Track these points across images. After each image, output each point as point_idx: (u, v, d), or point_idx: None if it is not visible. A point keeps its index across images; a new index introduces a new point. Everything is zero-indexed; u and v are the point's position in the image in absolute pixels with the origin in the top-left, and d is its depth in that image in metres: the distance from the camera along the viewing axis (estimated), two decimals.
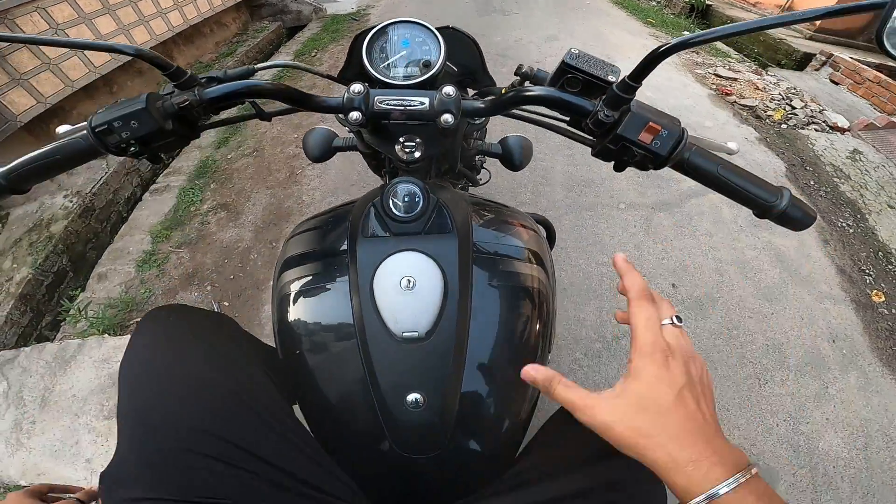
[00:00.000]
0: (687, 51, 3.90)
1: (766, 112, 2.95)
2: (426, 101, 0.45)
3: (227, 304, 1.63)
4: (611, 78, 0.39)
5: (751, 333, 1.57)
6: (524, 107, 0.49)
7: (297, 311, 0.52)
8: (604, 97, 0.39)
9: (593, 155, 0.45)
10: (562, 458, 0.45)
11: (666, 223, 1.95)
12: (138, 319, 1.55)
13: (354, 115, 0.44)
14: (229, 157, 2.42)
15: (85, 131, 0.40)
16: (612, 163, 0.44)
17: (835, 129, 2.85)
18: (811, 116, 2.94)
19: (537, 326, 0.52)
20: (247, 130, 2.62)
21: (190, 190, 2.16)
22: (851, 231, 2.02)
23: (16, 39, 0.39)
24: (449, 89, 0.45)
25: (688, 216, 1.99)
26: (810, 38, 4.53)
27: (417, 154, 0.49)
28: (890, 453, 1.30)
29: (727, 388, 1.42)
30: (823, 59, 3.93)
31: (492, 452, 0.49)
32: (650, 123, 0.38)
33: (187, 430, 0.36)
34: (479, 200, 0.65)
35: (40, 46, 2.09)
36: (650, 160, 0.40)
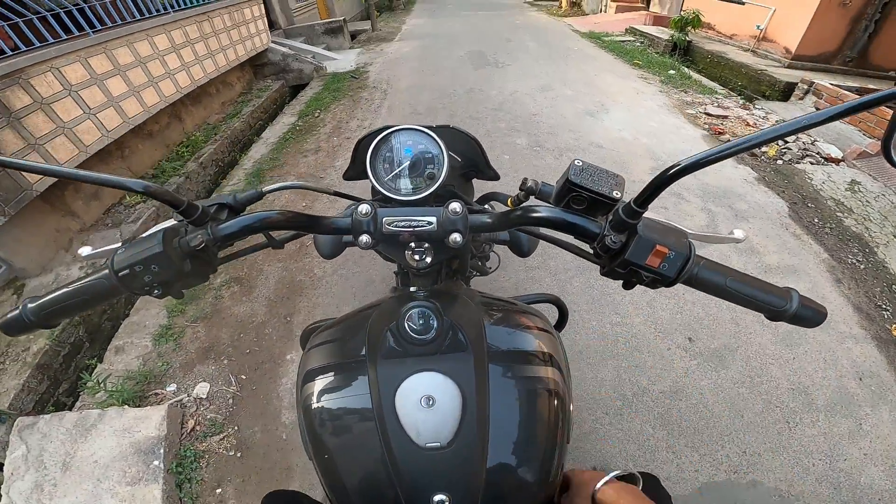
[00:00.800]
0: (676, 91, 4.07)
1: (760, 149, 3.02)
2: (434, 220, 0.47)
3: (244, 377, 1.64)
4: (615, 194, 0.38)
5: (774, 379, 1.54)
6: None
7: (323, 421, 0.53)
8: (610, 220, 0.39)
9: (603, 274, 0.46)
10: None
11: None
12: (157, 391, 1.60)
13: (364, 238, 0.46)
14: None
15: (107, 271, 0.41)
16: (620, 282, 0.45)
17: (829, 160, 2.90)
18: (804, 149, 3.00)
19: (554, 421, 0.53)
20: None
21: None
22: (862, 267, 2.02)
23: (17, 166, 0.37)
24: (456, 206, 0.46)
25: None
26: (788, 66, 4.69)
27: (428, 260, 0.50)
28: None
29: (756, 433, 1.39)
30: (805, 87, 4.07)
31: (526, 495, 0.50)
32: (657, 247, 0.38)
33: None
34: (490, 300, 0.67)
35: (50, 105, 2.09)
36: (658, 282, 0.41)
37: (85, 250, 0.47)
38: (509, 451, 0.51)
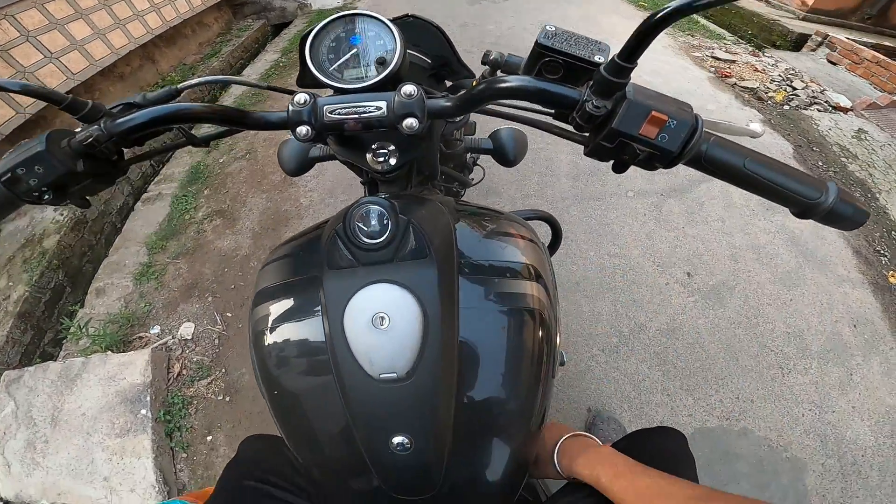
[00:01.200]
0: (682, 34, 3.85)
1: (767, 94, 2.91)
2: (383, 105, 0.39)
3: (230, 314, 1.58)
4: (598, 58, 0.32)
5: (771, 321, 1.53)
6: (503, 101, 0.42)
7: (273, 349, 0.47)
8: (591, 84, 0.32)
9: (587, 154, 0.37)
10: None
11: (676, 210, 1.91)
12: (141, 335, 1.53)
13: (302, 129, 0.39)
14: (221, 161, 2.34)
15: None
16: (609, 163, 0.36)
17: (838, 108, 2.82)
18: (813, 97, 2.90)
19: (538, 349, 0.46)
20: (238, 133, 2.54)
21: (183, 197, 2.09)
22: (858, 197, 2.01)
23: None
24: (409, 88, 0.39)
25: (699, 202, 1.95)
26: (803, 19, 4.50)
27: (393, 162, 0.44)
28: None
29: (751, 379, 1.38)
30: (819, 39, 3.90)
31: (490, 490, 0.46)
32: (653, 113, 0.31)
33: None
34: (468, 208, 0.59)
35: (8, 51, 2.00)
36: (657, 158, 0.32)
37: None
38: (483, 385, 0.44)
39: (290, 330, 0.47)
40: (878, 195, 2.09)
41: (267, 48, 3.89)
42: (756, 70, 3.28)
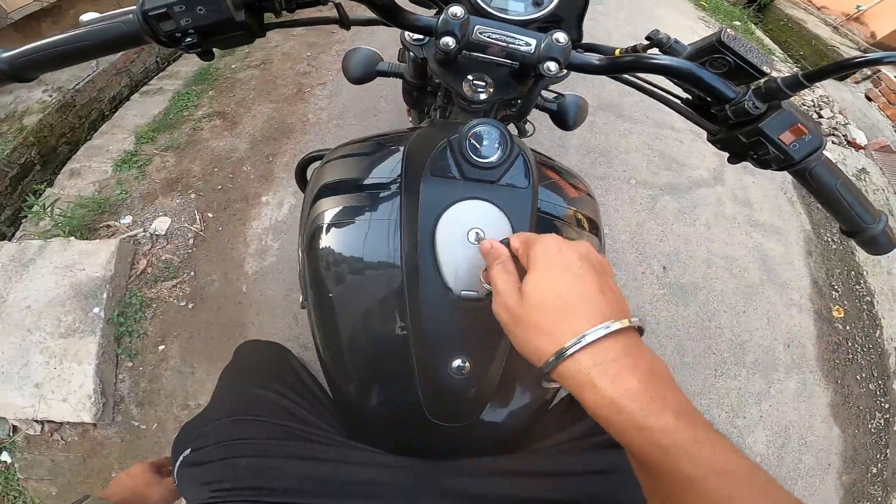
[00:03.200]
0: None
1: None
2: (533, 42, 0.41)
3: (210, 215, 1.57)
4: (766, 69, 0.36)
5: (721, 327, 1.63)
6: (640, 74, 0.46)
7: (332, 245, 0.46)
8: (754, 87, 0.37)
9: (711, 141, 0.43)
10: (572, 440, 0.48)
11: (670, 207, 1.96)
12: (110, 223, 1.47)
13: (447, 40, 0.39)
14: (233, 66, 2.24)
15: (131, 15, 0.34)
16: (728, 153, 0.42)
17: (852, 144, 2.83)
18: (833, 128, 2.90)
19: None
20: (256, 42, 2.40)
21: (185, 95, 2.00)
22: (834, 247, 2.08)
23: None
24: (560, 35, 0.40)
25: (692, 204, 2.00)
26: (864, 51, 4.37)
27: (484, 96, 0.46)
28: (799, 456, 1.40)
29: (688, 374, 1.49)
30: (868, 73, 3.81)
31: (519, 427, 0.48)
32: (798, 125, 0.36)
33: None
34: (542, 157, 0.60)
35: None
36: (779, 160, 0.38)
37: (88, 15, 0.37)
38: None
39: (357, 230, 0.46)
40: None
41: None
42: None
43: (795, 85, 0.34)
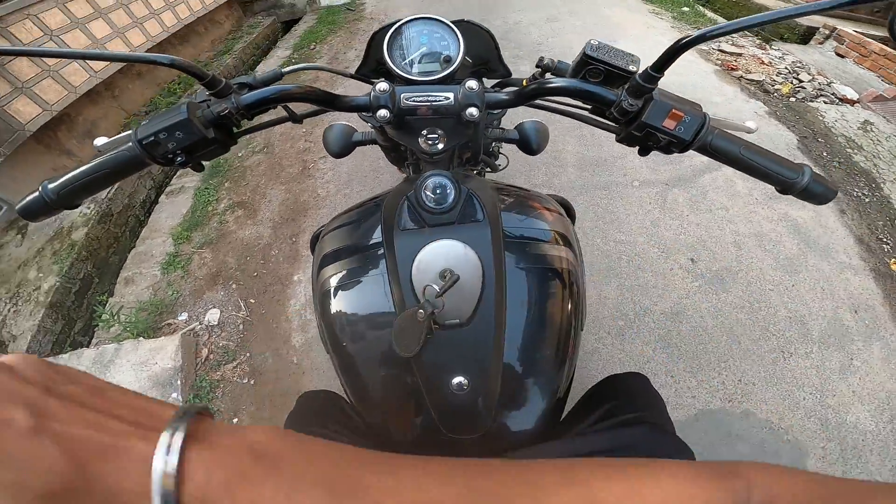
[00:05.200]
0: (689, 26, 3.85)
1: (773, 86, 2.93)
2: (451, 95, 0.46)
3: (252, 301, 1.66)
4: (632, 68, 0.40)
5: (773, 306, 1.57)
6: (550, 97, 0.50)
7: (339, 305, 0.53)
8: (626, 87, 0.41)
9: (618, 141, 0.47)
10: (591, 425, 0.51)
11: (681, 199, 1.95)
12: (170, 321, 1.61)
13: (382, 112, 0.45)
14: (240, 154, 2.43)
15: (130, 143, 0.41)
16: (637, 148, 0.46)
17: (844, 101, 2.83)
18: (819, 90, 2.91)
19: (569, 305, 0.54)
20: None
21: (205, 190, 2.17)
22: (867, 200, 2.01)
23: (41, 53, 0.39)
24: (472, 83, 0.46)
25: (702, 191, 1.99)
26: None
27: (440, 146, 0.50)
28: None
29: (752, 362, 1.43)
30: (827, 32, 3.89)
31: (533, 429, 0.51)
32: (673, 110, 0.40)
33: None
34: (502, 186, 0.66)
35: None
36: (674, 144, 0.42)
37: (100, 140, 0.46)
38: (526, 330, 0.50)
39: (357, 289, 0.53)
40: (882, 185, 2.10)
41: (278, 45, 3.96)
42: (762, 63, 3.29)
43: (650, 77, 0.38)
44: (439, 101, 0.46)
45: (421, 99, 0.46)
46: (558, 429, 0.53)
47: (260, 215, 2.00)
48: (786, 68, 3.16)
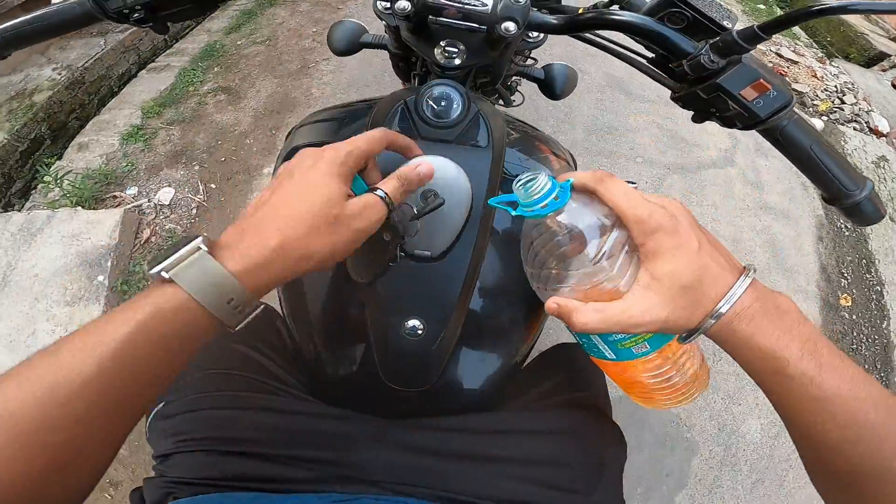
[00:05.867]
0: (759, 22, 3.57)
1: (813, 101, 2.80)
2: (490, 1, 0.39)
3: (213, 186, 1.59)
4: (727, 24, 0.35)
5: None
6: (602, 31, 0.44)
7: None
8: (712, 40, 0.35)
9: (673, 99, 0.41)
10: (534, 398, 0.49)
11: (677, 186, 1.91)
12: (116, 194, 1.51)
13: (402, 3, 0.38)
14: (239, 43, 2.26)
15: None
16: (692, 112, 0.41)
17: (874, 132, 2.72)
18: (856, 115, 2.79)
19: None
20: (262, 19, 2.44)
21: (191, 71, 2.03)
22: (847, 234, 2.01)
23: None
24: None
25: (700, 184, 1.95)
26: (894, 39, 4.17)
27: (458, 61, 0.44)
28: (792, 447, 1.35)
29: None
30: None
31: (480, 392, 0.47)
32: (760, 80, 0.34)
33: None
34: (513, 120, 0.59)
35: None
36: (743, 118, 0.36)
37: None
38: (501, 281, 0.45)
39: None
40: None
41: None
42: (814, 76, 3.11)
43: (752, 38, 0.32)
44: (473, 4, 0.39)
45: None
46: (504, 395, 0.50)
47: (244, 103, 1.89)
48: (835, 87, 2.99)
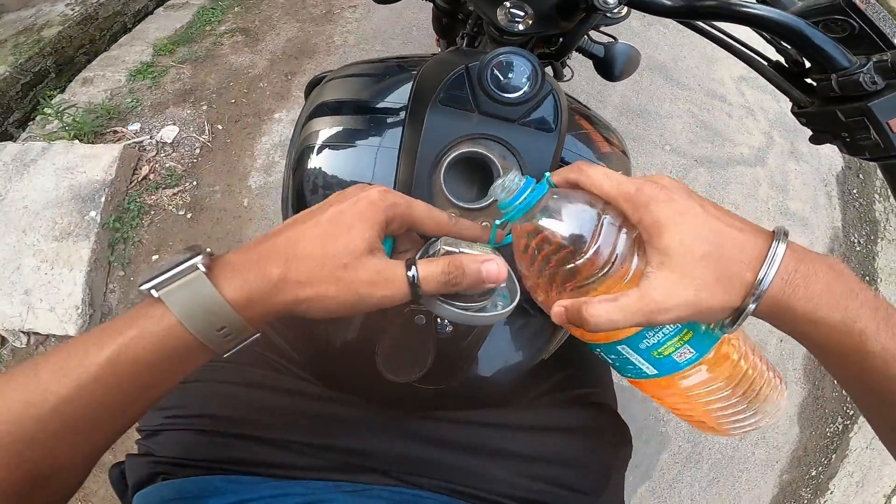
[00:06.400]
0: None
1: None
2: None
3: (220, 127, 1.49)
4: None
5: None
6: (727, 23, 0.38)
7: (324, 167, 0.42)
8: (875, 58, 0.31)
9: (795, 113, 0.36)
10: (547, 391, 0.48)
11: (701, 179, 1.85)
12: (117, 129, 1.43)
13: None
14: None
15: None
16: (813, 131, 0.36)
17: None
18: None
19: None
20: None
21: (210, 10, 1.94)
22: (858, 249, 1.96)
23: None
24: None
25: (725, 180, 1.89)
26: None
27: (521, 27, 0.39)
28: (753, 449, 1.33)
29: None
30: None
31: (504, 390, 0.45)
32: None
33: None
34: (577, 104, 0.56)
35: None
36: (877, 150, 0.32)
37: None
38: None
39: (353, 154, 0.43)
40: (879, 240, 2.03)
41: None
42: None
43: None
44: None
45: None
46: (518, 389, 0.50)
47: (261, 45, 1.79)
48: None
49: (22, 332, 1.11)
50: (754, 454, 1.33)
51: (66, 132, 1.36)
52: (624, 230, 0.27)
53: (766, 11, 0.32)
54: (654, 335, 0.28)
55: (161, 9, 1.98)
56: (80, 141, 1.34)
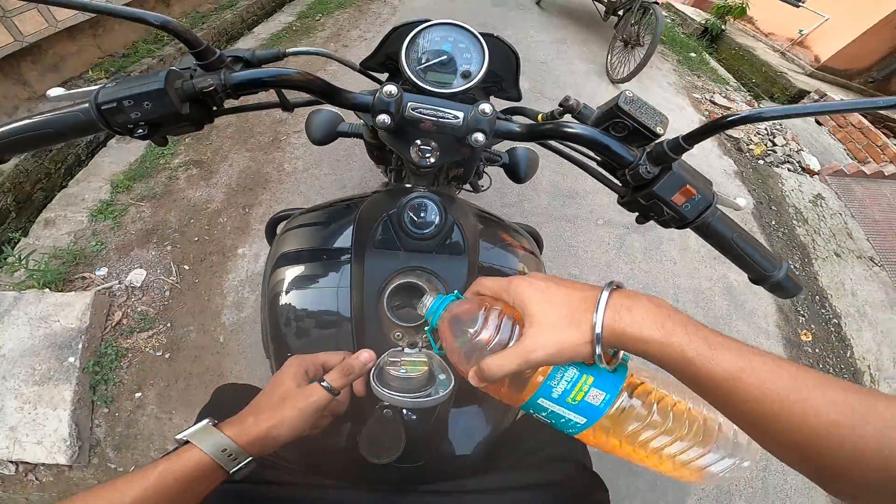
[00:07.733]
0: (690, 74, 3.92)
1: (748, 146, 3.04)
2: (461, 115, 0.43)
3: (186, 267, 1.56)
4: (659, 130, 0.38)
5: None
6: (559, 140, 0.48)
7: (291, 314, 0.51)
8: (648, 150, 0.39)
9: (620, 203, 0.45)
10: (520, 456, 0.53)
11: (637, 245, 2.02)
12: (85, 275, 1.46)
13: (383, 118, 0.43)
14: None
15: (87, 105, 0.36)
16: (636, 214, 0.45)
17: (806, 170, 2.95)
18: (788, 155, 3.03)
19: None
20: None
21: None
22: (798, 275, 2.13)
23: None
24: (486, 107, 0.43)
25: (658, 240, 2.07)
26: (810, 75, 4.56)
27: (432, 160, 0.48)
28: (783, 477, 1.42)
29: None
30: (816, 98, 3.97)
31: (475, 459, 0.51)
32: (686, 186, 0.38)
33: None
34: (480, 211, 0.64)
35: None
36: (675, 220, 0.41)
37: (55, 91, 0.40)
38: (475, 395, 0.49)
39: (314, 296, 0.51)
40: (814, 261, 2.24)
41: (284, 9, 3.68)
42: None
43: (678, 148, 0.37)
44: (447, 118, 0.43)
45: (429, 112, 0.43)
46: (495, 456, 0.54)
47: (216, 178, 1.88)
48: (766, 128, 3.25)
49: (10, 461, 1.13)
50: (787, 481, 1.39)
51: (34, 280, 1.38)
52: (505, 315, 0.36)
53: (576, 128, 0.40)
54: (557, 383, 0.33)
55: (114, 141, 2.01)
56: (50, 289, 1.36)
